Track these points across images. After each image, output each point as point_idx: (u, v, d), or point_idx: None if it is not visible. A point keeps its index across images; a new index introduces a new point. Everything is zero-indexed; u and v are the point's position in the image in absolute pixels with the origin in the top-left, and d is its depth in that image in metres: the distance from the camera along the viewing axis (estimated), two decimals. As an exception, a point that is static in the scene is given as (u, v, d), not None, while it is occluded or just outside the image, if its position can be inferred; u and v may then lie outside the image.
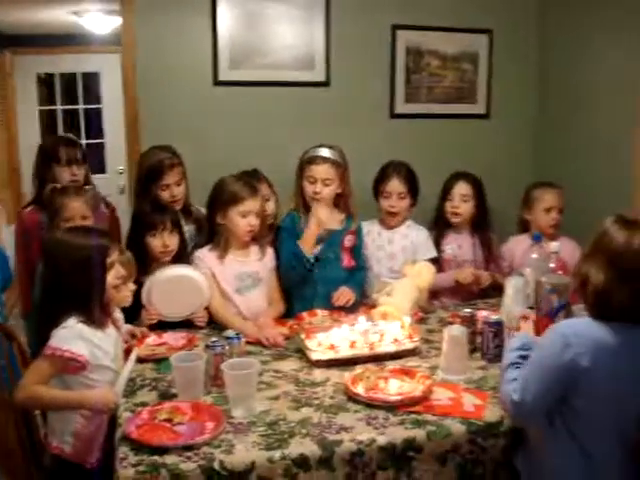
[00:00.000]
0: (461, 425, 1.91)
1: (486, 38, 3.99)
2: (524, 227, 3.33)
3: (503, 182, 3.96)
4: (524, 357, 1.92)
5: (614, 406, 1.74)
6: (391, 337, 2.41)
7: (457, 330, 2.24)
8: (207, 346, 2.17)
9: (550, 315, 2.24)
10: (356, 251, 3.07)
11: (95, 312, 2.11)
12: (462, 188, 3.27)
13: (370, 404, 2.01)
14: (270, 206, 3.10)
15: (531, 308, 2.44)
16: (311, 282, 2.94)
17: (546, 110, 4.07)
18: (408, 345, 2.40)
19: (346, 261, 3.01)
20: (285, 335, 2.58)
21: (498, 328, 2.33)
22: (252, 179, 2.97)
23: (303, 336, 2.44)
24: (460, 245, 3.33)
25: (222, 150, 3.61)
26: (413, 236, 3.23)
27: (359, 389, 2.07)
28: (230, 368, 1.99)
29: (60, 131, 7.08)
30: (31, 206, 3.09)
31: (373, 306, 2.76)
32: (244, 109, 3.67)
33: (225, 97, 3.64)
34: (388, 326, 2.46)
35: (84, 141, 6.71)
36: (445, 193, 3.31)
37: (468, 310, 2.49)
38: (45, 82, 7.17)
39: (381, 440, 1.83)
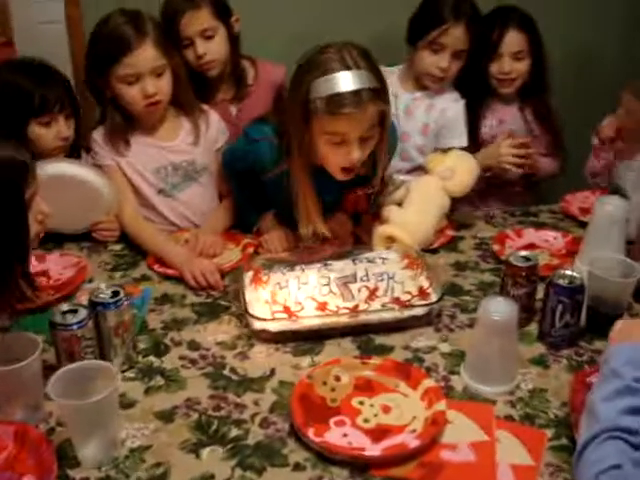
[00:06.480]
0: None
1: None
2: None
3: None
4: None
5: None
6: (389, 290, 1.45)
7: (499, 306, 1.23)
8: (52, 325, 1.23)
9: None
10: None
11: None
12: (514, 42, 2.08)
13: (325, 457, 1.10)
14: (212, 47, 1.93)
15: (630, 243, 1.52)
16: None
17: None
18: (416, 309, 1.42)
19: (348, 208, 1.79)
20: (229, 267, 1.66)
21: (574, 298, 1.31)
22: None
23: (248, 279, 1.50)
24: (502, 120, 2.19)
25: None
26: (441, 109, 2.09)
27: (310, 430, 1.13)
28: (65, 380, 1.09)
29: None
30: None
31: (377, 217, 1.78)
32: None
33: None
34: (387, 269, 1.49)
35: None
36: (488, 48, 2.10)
37: (524, 254, 1.43)
38: None
39: None
